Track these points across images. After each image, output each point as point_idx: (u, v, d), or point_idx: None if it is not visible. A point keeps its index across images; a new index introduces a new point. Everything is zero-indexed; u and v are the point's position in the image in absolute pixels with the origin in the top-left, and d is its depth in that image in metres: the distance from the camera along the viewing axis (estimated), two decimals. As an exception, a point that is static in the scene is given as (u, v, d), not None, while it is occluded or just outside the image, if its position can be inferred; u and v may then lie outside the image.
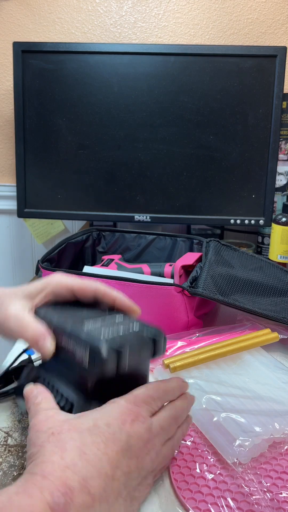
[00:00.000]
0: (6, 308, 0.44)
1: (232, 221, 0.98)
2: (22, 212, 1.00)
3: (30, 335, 0.42)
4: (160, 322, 0.68)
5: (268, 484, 0.40)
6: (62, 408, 0.38)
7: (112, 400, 0.37)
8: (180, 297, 0.66)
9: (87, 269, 0.79)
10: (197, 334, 0.64)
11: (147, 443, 0.35)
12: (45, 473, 0.30)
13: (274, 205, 1.05)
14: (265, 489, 0.39)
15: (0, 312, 0.44)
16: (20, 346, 0.67)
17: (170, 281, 0.77)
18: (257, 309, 0.65)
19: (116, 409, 0.35)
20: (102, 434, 0.33)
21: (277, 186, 1.05)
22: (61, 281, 0.46)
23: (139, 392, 0.38)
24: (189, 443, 0.45)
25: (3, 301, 0.45)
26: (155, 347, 0.39)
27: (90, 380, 0.38)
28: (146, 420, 0.36)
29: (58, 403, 0.39)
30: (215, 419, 0.46)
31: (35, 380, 0.44)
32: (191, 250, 0.86)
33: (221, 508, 0.37)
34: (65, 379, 0.41)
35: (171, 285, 0.66)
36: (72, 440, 0.32)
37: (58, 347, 0.42)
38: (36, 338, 0.41)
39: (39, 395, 0.39)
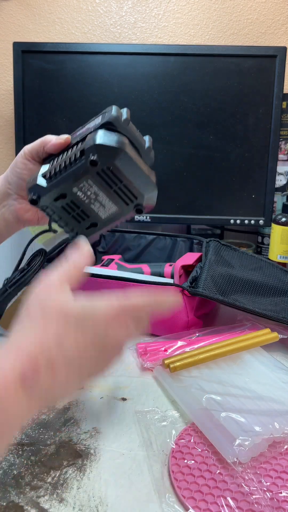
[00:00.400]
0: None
1: (232, 221, 0.98)
2: (22, 212, 1.00)
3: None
4: (160, 322, 0.68)
5: (268, 484, 0.40)
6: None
7: (108, 298, 0.37)
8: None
9: (87, 269, 0.79)
10: (197, 334, 0.65)
11: (120, 347, 0.37)
12: (22, 347, 0.32)
13: (274, 205, 1.05)
14: (265, 489, 0.39)
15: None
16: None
17: (170, 281, 0.77)
18: (257, 309, 0.65)
19: (108, 311, 0.36)
20: (86, 333, 0.34)
21: (277, 186, 1.05)
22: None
23: (135, 300, 0.37)
24: (189, 442, 0.45)
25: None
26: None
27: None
28: (129, 330, 0.37)
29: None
30: (215, 418, 0.46)
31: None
32: (191, 250, 0.86)
33: (220, 508, 0.37)
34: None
35: (171, 285, 0.66)
36: (58, 329, 0.34)
37: None
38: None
39: (77, 261, 0.39)
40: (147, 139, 0.51)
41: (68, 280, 0.38)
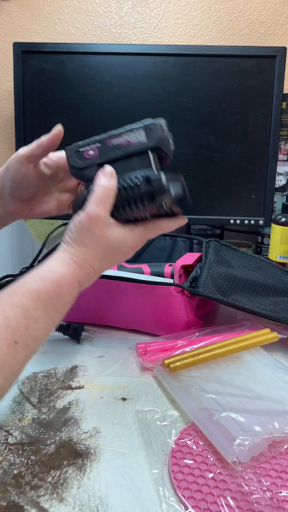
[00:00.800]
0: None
1: (232, 221, 0.98)
2: (22, 212, 1.00)
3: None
4: (160, 322, 0.68)
5: (268, 483, 0.40)
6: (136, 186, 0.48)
7: (126, 232, 0.50)
8: (180, 297, 0.66)
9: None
10: (197, 334, 0.65)
11: (127, 246, 0.51)
12: (82, 265, 0.47)
13: (274, 205, 1.05)
14: (265, 488, 0.39)
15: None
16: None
17: (170, 281, 0.77)
18: (256, 309, 0.65)
19: (133, 242, 0.51)
20: (119, 255, 0.50)
21: (277, 186, 1.05)
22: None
23: (153, 227, 0.52)
24: (189, 442, 0.45)
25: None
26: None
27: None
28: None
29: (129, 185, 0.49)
30: (215, 418, 0.46)
31: None
32: (191, 250, 0.86)
33: (220, 507, 0.37)
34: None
35: (171, 285, 0.66)
36: (103, 253, 0.49)
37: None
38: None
39: (111, 188, 0.48)
40: (165, 127, 0.54)
41: (109, 209, 0.48)
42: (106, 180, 0.49)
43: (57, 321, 0.45)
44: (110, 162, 0.50)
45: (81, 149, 0.51)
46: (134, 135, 0.51)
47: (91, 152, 0.51)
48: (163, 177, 0.49)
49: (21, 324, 0.41)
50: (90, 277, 0.49)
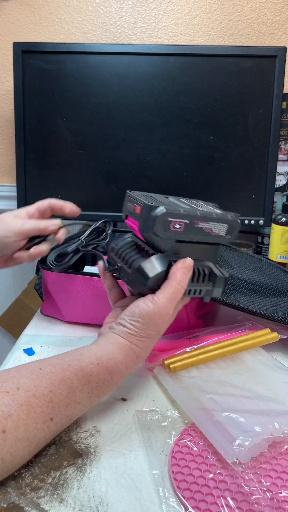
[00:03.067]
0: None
1: (232, 221, 0.97)
2: (22, 212, 1.00)
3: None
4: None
5: (268, 484, 0.40)
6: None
7: (173, 316, 0.51)
8: None
9: (87, 269, 0.79)
10: (197, 334, 0.65)
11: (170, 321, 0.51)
12: (140, 356, 0.48)
13: (274, 205, 1.05)
14: (265, 489, 0.39)
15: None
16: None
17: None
18: (256, 309, 0.65)
19: (170, 308, 0.49)
20: (158, 336, 0.50)
21: (277, 186, 1.05)
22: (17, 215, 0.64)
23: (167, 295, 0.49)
24: (189, 442, 0.45)
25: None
26: None
27: None
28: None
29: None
30: (215, 418, 0.46)
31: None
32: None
33: (221, 508, 0.37)
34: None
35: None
36: (149, 343, 0.49)
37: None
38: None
39: (184, 284, 0.49)
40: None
41: (175, 303, 0.49)
42: (184, 278, 0.49)
43: (93, 404, 0.46)
44: (187, 242, 0.51)
45: (170, 219, 0.48)
46: (218, 227, 0.52)
47: (177, 226, 0.49)
48: (225, 274, 0.54)
49: (63, 402, 0.41)
50: (141, 361, 0.50)
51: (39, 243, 0.65)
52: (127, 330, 0.48)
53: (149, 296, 0.48)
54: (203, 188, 0.97)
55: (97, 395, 0.45)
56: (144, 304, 0.47)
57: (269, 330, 0.64)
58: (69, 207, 0.66)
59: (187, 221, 0.49)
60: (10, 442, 0.36)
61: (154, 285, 0.49)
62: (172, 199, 0.54)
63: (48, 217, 0.67)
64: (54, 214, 0.68)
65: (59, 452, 0.45)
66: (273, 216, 0.92)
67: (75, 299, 0.72)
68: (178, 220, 0.48)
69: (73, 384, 0.42)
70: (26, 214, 0.64)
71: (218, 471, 0.41)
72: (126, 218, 0.52)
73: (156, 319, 0.47)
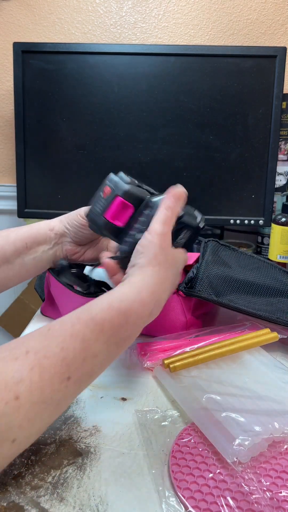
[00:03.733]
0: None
1: (232, 221, 0.98)
2: (23, 212, 1.00)
3: None
4: (158, 323, 0.68)
5: (268, 483, 0.40)
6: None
7: (181, 251, 0.53)
8: (176, 298, 0.66)
9: (88, 269, 0.79)
10: (196, 334, 0.65)
11: (183, 259, 0.53)
12: (154, 291, 0.45)
13: (274, 205, 1.05)
14: (265, 488, 0.39)
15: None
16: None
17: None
18: (251, 309, 0.65)
19: (185, 256, 0.53)
20: (178, 269, 0.51)
21: (277, 186, 1.05)
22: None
23: (159, 218, 0.50)
24: (189, 442, 0.45)
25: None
26: None
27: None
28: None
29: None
30: (215, 418, 0.46)
31: None
32: (191, 250, 0.86)
33: (220, 507, 0.37)
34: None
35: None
36: (168, 272, 0.48)
37: None
38: None
39: (176, 210, 0.51)
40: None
41: (171, 228, 0.50)
42: (172, 202, 0.50)
43: (115, 356, 0.43)
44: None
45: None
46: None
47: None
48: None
49: (78, 358, 0.38)
50: (161, 303, 0.47)
51: None
52: (136, 268, 0.47)
53: (145, 232, 0.49)
54: (203, 188, 0.97)
55: (116, 343, 0.42)
56: (143, 238, 0.49)
57: (269, 330, 0.64)
58: None
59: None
60: (26, 407, 0.34)
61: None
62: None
63: None
64: None
65: (59, 450, 0.45)
66: (273, 216, 0.92)
67: (76, 301, 0.72)
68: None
69: (85, 336, 0.39)
70: None
71: (218, 470, 0.41)
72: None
73: (159, 242, 0.47)
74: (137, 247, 0.49)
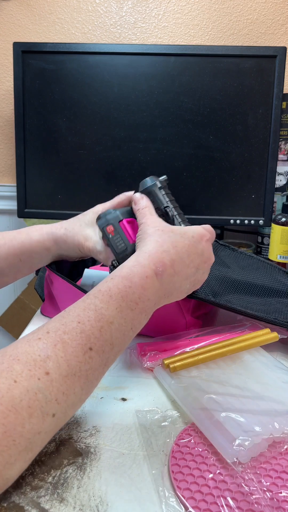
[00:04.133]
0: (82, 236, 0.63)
1: (232, 221, 0.98)
2: (23, 212, 1.00)
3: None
4: (157, 324, 0.68)
5: (268, 484, 0.40)
6: (113, 249, 0.57)
7: (195, 226, 0.54)
8: None
9: (87, 269, 0.79)
10: (196, 334, 0.65)
11: (210, 257, 0.53)
12: (151, 253, 0.47)
13: (274, 205, 1.05)
14: (265, 489, 0.39)
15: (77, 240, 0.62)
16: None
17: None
18: (248, 310, 0.64)
19: (199, 229, 0.53)
20: (188, 240, 0.51)
21: (277, 186, 1.05)
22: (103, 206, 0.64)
23: (209, 227, 0.55)
24: (189, 442, 0.45)
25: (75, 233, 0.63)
26: None
27: None
28: (212, 243, 0.55)
29: (115, 244, 0.57)
30: (215, 418, 0.46)
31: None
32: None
33: (220, 508, 0.37)
34: None
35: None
36: (169, 237, 0.50)
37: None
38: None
39: (148, 205, 0.56)
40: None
41: (152, 215, 0.54)
42: (137, 205, 0.57)
43: (133, 321, 0.44)
44: None
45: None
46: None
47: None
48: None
49: (95, 327, 0.40)
50: (167, 264, 0.47)
51: None
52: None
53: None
54: (203, 188, 0.97)
55: (129, 307, 0.43)
56: (138, 232, 0.53)
57: (269, 330, 0.64)
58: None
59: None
60: (58, 381, 0.36)
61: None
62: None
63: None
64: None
65: (59, 450, 0.45)
66: (273, 216, 0.92)
67: (78, 298, 0.72)
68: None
69: (97, 306, 0.41)
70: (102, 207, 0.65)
71: (218, 471, 0.41)
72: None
73: (147, 226, 0.52)
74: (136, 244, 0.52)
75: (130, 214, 0.59)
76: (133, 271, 0.45)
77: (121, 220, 0.58)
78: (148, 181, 0.58)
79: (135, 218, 0.57)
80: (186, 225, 0.56)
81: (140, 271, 0.45)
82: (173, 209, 0.57)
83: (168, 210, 0.57)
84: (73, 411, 0.39)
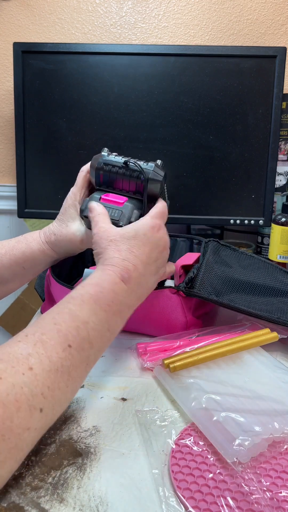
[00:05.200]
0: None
1: (232, 221, 0.98)
2: (23, 212, 1.00)
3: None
4: (158, 323, 0.68)
5: (268, 483, 0.40)
6: (114, 221, 0.57)
7: (143, 217, 0.55)
8: (176, 298, 0.66)
9: (87, 269, 0.79)
10: (196, 334, 0.65)
11: (166, 244, 0.56)
12: (113, 264, 0.50)
13: (274, 205, 1.05)
14: (265, 488, 0.39)
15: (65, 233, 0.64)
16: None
17: (168, 282, 0.77)
18: (251, 309, 0.65)
19: (149, 222, 0.54)
20: (142, 240, 0.53)
21: (277, 186, 1.05)
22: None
23: (156, 210, 0.56)
24: (189, 442, 0.45)
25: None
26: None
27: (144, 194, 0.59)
28: (164, 228, 0.57)
29: (113, 216, 0.57)
30: (215, 418, 0.46)
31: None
32: (191, 250, 0.86)
33: (220, 507, 0.37)
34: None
35: (165, 288, 0.66)
36: (124, 245, 0.52)
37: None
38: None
39: (101, 212, 0.57)
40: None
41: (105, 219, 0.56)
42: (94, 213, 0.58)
43: (109, 322, 0.46)
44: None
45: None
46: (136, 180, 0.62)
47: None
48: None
49: (70, 327, 0.42)
50: (130, 270, 0.50)
51: None
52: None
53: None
54: (203, 188, 0.97)
55: (102, 309, 0.46)
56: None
57: (269, 330, 0.64)
58: None
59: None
60: (42, 375, 0.37)
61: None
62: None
63: None
64: None
65: (59, 451, 0.45)
66: (273, 216, 0.92)
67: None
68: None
69: (70, 309, 0.44)
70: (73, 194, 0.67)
71: (218, 470, 0.41)
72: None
73: (101, 238, 0.54)
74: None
75: (101, 192, 0.62)
76: (102, 279, 0.48)
77: (100, 198, 0.60)
78: (97, 159, 0.61)
79: (109, 192, 0.60)
80: (149, 165, 0.59)
81: (109, 279, 0.48)
82: (130, 159, 0.59)
83: (128, 163, 0.59)
84: (60, 408, 0.40)
